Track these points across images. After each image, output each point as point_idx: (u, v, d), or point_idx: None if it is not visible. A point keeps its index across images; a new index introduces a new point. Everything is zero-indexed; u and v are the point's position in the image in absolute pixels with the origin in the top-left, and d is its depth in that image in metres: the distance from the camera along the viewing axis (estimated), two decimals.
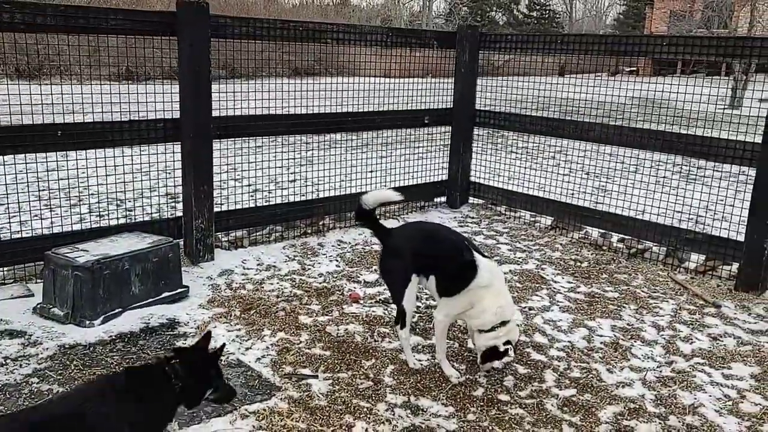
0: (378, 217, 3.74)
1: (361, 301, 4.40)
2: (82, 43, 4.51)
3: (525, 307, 4.39)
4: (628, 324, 4.20)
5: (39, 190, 5.33)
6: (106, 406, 2.25)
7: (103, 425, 2.23)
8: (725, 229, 5.42)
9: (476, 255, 3.48)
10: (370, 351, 3.72)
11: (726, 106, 14.71)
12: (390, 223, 6.12)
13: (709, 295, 4.67)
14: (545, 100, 7.48)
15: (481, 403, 3.25)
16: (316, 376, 3.43)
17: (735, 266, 4.90)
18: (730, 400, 3.37)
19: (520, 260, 5.28)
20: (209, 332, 2.67)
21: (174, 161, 5.00)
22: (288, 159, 7.88)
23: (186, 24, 4.51)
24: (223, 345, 2.73)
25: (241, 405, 3.13)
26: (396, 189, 3.79)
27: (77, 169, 5.16)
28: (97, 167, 4.89)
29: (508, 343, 3.37)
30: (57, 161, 4.78)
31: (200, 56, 4.59)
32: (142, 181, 5.82)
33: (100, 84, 5.03)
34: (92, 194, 6.43)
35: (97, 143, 4.49)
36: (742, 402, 3.35)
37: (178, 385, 2.43)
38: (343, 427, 3.00)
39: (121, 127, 4.53)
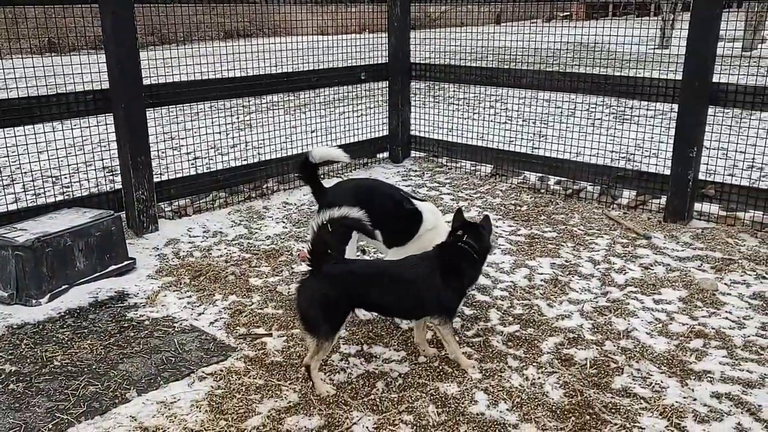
0: (321, 175, 3.78)
1: None
2: None
3: None
4: (566, 261, 4.41)
5: None
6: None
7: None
8: (655, 164, 5.69)
9: (415, 202, 3.59)
10: None
11: (656, 46, 15.13)
12: (333, 182, 6.17)
13: (641, 228, 4.93)
14: (482, 50, 7.56)
15: (431, 345, 3.39)
16: (271, 335, 3.51)
17: (664, 199, 5.17)
18: (660, 322, 3.62)
19: (463, 208, 5.42)
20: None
21: (108, 133, 4.89)
22: (227, 124, 7.79)
23: None
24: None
25: (198, 368, 3.19)
26: (338, 147, 3.82)
27: (7, 147, 5.00)
28: (27, 144, 4.74)
29: None
30: None
31: (124, 23, 4.46)
32: (77, 155, 5.69)
33: (32, 57, 4.85)
34: (25, 173, 6.23)
35: (24, 119, 4.35)
36: (671, 323, 3.60)
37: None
38: (300, 380, 3.10)
39: (48, 101, 4.40)
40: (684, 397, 2.95)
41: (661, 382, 3.07)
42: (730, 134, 5.47)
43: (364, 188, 3.80)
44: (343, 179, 4.14)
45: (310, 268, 2.97)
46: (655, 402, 2.92)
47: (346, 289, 2.98)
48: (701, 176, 5.03)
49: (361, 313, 3.67)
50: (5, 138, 4.77)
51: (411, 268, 3.12)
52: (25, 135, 4.71)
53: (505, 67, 6.74)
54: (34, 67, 4.74)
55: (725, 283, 4.05)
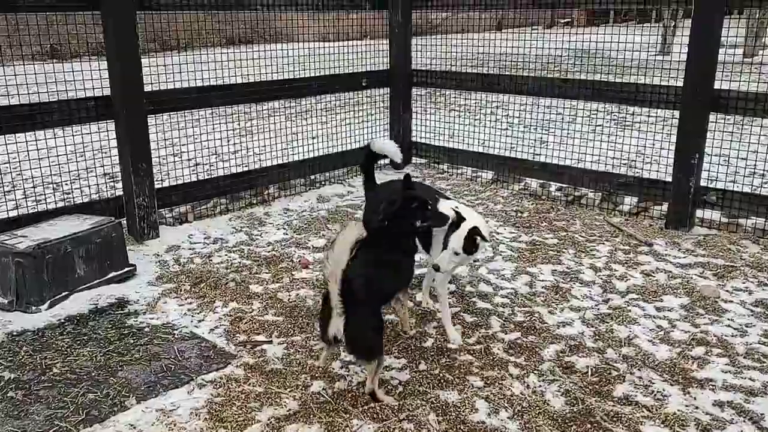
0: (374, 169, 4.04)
1: (311, 267, 4.47)
2: (1, 23, 4.34)
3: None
4: (567, 268, 4.40)
5: None
6: None
7: None
8: (656, 171, 5.68)
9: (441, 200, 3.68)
10: None
11: (657, 53, 15.14)
12: (335, 188, 6.18)
13: (642, 234, 4.92)
14: (483, 56, 7.57)
15: (432, 353, 3.38)
16: (271, 342, 3.50)
17: (665, 206, 5.15)
18: (662, 330, 3.60)
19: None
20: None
21: (109, 139, 4.90)
22: (228, 130, 7.79)
23: None
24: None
25: (198, 375, 3.18)
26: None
27: (8, 153, 5.00)
28: (28, 150, 4.75)
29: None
30: None
31: (127, 30, 4.47)
32: (77, 162, 5.69)
33: (33, 64, 4.86)
34: (26, 179, 6.24)
35: (26, 126, 4.35)
36: (673, 331, 3.58)
37: None
38: (300, 387, 3.09)
39: (49, 107, 4.40)
40: (686, 406, 2.94)
41: (663, 390, 3.05)
42: (731, 141, 5.46)
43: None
44: (389, 180, 4.22)
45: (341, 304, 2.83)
46: (657, 410, 2.90)
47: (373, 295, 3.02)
48: (703, 183, 5.02)
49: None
50: (6, 144, 4.77)
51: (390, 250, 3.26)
52: (26, 141, 4.71)
53: (507, 73, 6.75)
54: (35, 73, 4.75)
55: (727, 291, 4.03)
